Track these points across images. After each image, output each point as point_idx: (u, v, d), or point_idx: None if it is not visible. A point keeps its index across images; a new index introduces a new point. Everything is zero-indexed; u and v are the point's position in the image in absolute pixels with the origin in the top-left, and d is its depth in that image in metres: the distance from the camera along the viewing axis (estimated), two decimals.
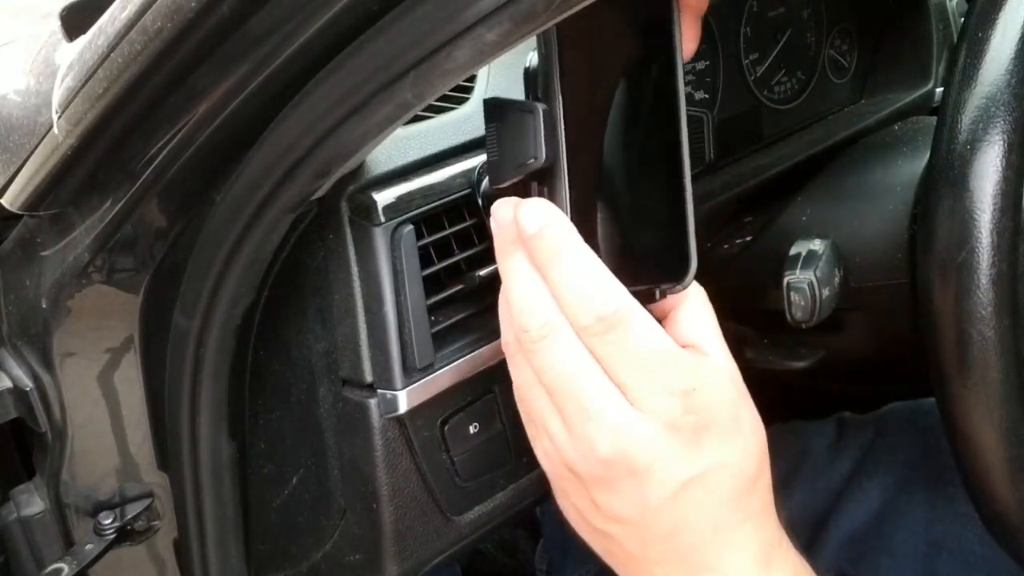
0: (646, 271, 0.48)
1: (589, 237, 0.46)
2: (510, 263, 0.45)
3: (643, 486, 0.42)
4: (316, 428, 0.59)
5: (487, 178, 0.56)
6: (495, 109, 0.46)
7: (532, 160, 0.44)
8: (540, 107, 0.44)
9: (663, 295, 0.48)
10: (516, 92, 0.50)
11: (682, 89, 0.47)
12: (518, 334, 0.44)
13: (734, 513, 0.44)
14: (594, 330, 0.42)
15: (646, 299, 0.48)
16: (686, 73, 0.72)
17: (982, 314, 0.51)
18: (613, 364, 0.42)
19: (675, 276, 0.48)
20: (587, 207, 0.46)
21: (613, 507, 0.44)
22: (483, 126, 0.59)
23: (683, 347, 0.46)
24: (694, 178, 0.49)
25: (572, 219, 0.45)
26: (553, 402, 0.44)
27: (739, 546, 0.45)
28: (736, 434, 0.44)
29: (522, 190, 0.48)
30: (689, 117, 0.48)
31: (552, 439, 0.45)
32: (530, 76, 0.46)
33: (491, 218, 0.46)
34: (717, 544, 0.44)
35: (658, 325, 0.43)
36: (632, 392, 0.42)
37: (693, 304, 0.48)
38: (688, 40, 0.48)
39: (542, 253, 0.43)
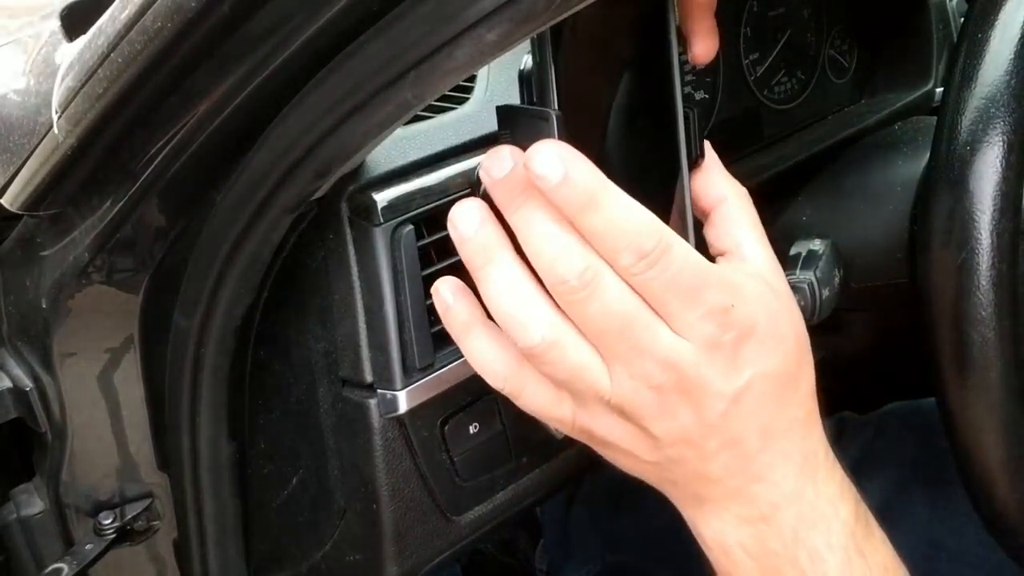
0: None
1: None
2: (527, 215, 0.41)
3: (698, 406, 0.42)
4: (316, 428, 0.59)
5: None
6: (508, 116, 0.46)
7: None
8: (554, 114, 0.44)
9: None
10: (516, 92, 0.50)
11: (679, 87, 0.47)
12: (555, 287, 0.41)
13: (779, 418, 0.44)
14: (637, 268, 0.40)
15: None
16: (686, 73, 0.72)
17: (982, 315, 0.51)
18: (654, 296, 0.41)
19: None
20: None
21: (674, 432, 0.43)
22: (483, 126, 0.59)
23: (721, 252, 0.46)
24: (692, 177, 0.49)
25: None
26: (599, 347, 0.42)
27: (785, 454, 0.45)
28: (774, 340, 0.44)
29: None
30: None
31: (596, 388, 0.43)
32: (525, 79, 0.46)
33: (483, 171, 0.42)
34: (766, 452, 0.44)
35: (691, 248, 0.42)
36: (675, 320, 0.41)
37: (731, 206, 0.47)
38: (705, 38, 0.47)
39: (573, 200, 0.40)
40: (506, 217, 0.43)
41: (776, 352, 0.44)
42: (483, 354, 0.45)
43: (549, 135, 0.43)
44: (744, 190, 0.48)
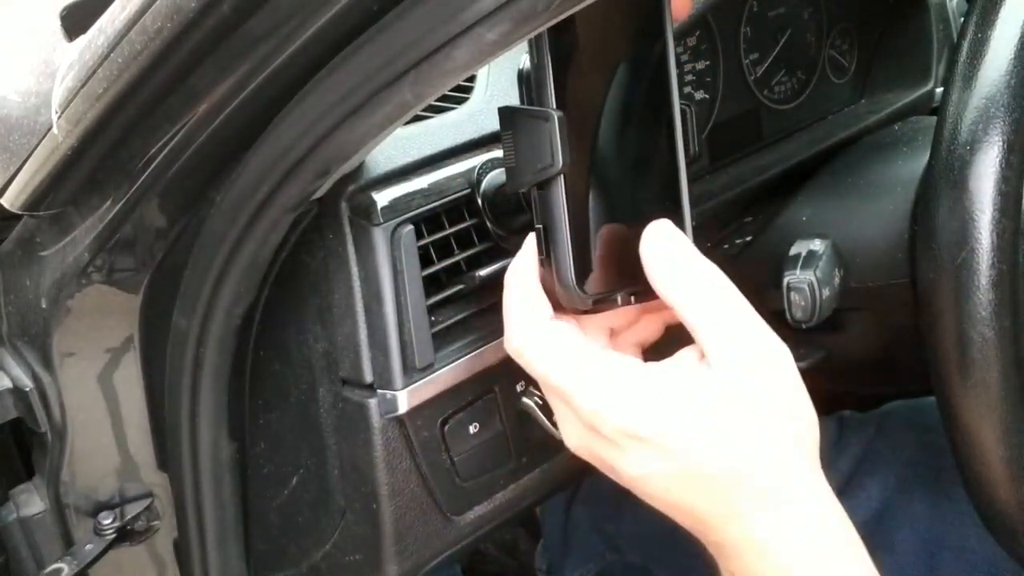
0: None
1: (586, 239, 0.46)
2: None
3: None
4: (316, 428, 0.59)
5: (487, 178, 0.56)
6: (510, 116, 0.46)
7: (550, 166, 0.45)
8: (555, 114, 0.44)
9: None
10: (516, 91, 0.50)
11: (675, 86, 0.47)
12: None
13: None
14: None
15: (647, 297, 0.48)
16: (686, 73, 0.72)
17: (982, 315, 0.51)
18: None
19: None
20: (585, 209, 0.46)
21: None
22: (483, 126, 0.59)
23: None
24: (692, 176, 0.49)
25: (570, 222, 0.45)
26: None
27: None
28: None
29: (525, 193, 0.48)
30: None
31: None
32: (524, 79, 0.46)
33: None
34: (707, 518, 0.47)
35: None
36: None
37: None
38: None
39: None
40: None
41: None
42: None
43: (551, 134, 0.44)
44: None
